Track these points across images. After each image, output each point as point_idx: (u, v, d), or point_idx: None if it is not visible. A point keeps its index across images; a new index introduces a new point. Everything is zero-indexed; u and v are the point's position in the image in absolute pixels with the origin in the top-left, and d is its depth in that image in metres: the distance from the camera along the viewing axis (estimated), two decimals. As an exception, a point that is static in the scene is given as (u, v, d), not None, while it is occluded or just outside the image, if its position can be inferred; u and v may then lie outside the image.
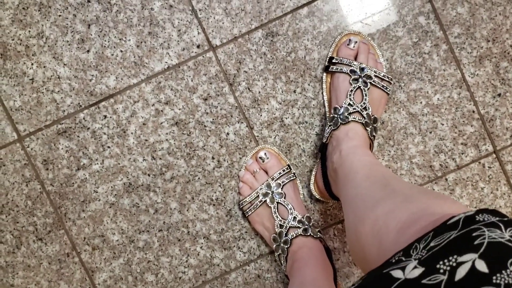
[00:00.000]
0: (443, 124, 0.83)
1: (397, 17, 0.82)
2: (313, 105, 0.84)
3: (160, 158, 0.84)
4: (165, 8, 0.82)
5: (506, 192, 0.84)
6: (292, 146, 0.85)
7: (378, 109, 0.79)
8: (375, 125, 0.77)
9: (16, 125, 0.84)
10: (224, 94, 0.84)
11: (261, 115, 0.84)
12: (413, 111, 0.83)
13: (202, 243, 0.86)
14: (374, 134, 0.77)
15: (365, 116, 0.76)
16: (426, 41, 0.82)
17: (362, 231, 0.52)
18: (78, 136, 0.84)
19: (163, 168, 0.85)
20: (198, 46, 0.83)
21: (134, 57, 0.83)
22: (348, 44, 0.80)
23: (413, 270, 0.36)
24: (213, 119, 0.84)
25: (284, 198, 0.81)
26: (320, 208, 0.86)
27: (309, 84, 0.84)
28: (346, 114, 0.76)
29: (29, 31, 0.82)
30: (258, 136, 0.84)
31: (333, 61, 0.80)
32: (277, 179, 0.81)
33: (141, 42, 0.83)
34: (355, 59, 0.80)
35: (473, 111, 0.83)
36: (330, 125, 0.78)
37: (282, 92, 0.84)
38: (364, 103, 0.76)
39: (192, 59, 0.83)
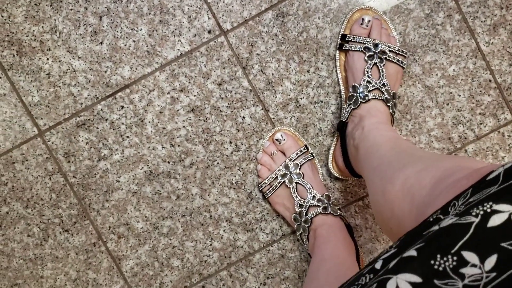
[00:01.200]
0: (460, 95, 0.83)
1: (408, -10, 0.81)
2: (328, 83, 0.84)
3: (179, 145, 0.85)
4: (175, -5, 0.82)
5: (527, 160, 0.84)
6: (308, 126, 0.85)
7: (395, 84, 0.79)
8: (394, 100, 0.77)
9: (36, 120, 0.85)
10: (238, 78, 0.84)
11: (276, 97, 0.84)
12: (429, 83, 0.83)
13: (225, 226, 0.87)
14: (394, 109, 0.77)
15: (384, 92, 0.75)
16: (439, 12, 0.81)
17: (392, 190, 0.52)
18: (97, 128, 0.85)
19: (182, 154, 0.86)
20: (209, 32, 0.83)
21: (147, 46, 0.83)
22: (361, 24, 0.79)
23: (448, 221, 0.36)
24: (228, 104, 0.85)
25: (303, 178, 0.81)
26: (340, 186, 0.86)
27: (322, 63, 0.83)
28: (366, 92, 0.75)
29: (42, 26, 0.83)
30: (274, 118, 0.85)
31: (346, 39, 0.80)
32: (294, 159, 0.82)
33: (153, 31, 0.83)
34: (368, 35, 0.79)
35: (490, 80, 0.82)
36: (349, 104, 0.77)
37: (295, 72, 0.84)
38: (382, 80, 0.76)
39: (204, 45, 0.83)
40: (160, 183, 0.86)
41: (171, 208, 0.87)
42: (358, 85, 0.76)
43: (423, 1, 0.81)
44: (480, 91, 0.82)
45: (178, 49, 0.84)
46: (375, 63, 0.77)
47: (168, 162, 0.86)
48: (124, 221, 0.87)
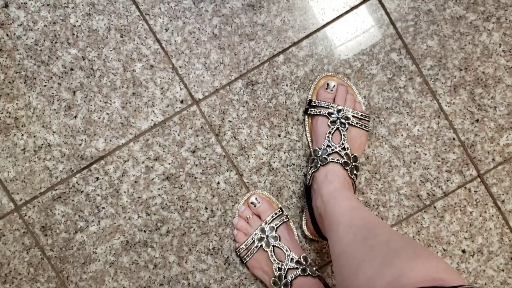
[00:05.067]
0: (425, 154, 0.86)
1: (370, 56, 0.85)
2: (298, 147, 0.86)
3: (155, 214, 0.86)
4: (147, 69, 0.85)
5: (495, 214, 0.86)
6: (282, 189, 0.87)
7: (359, 147, 0.81)
8: (355, 163, 0.79)
9: (12, 195, 0.86)
10: (211, 145, 0.86)
11: (249, 162, 0.86)
12: (395, 144, 0.86)
13: (203, 293, 0.87)
14: (355, 173, 0.79)
15: (343, 156, 0.78)
16: (401, 76, 0.85)
17: (353, 283, 0.54)
18: (73, 200, 0.86)
19: (158, 223, 0.86)
20: (181, 101, 0.86)
21: (121, 118, 0.85)
22: (326, 88, 0.83)
23: None
24: (202, 170, 0.86)
25: (279, 240, 0.82)
26: (315, 247, 0.87)
27: (292, 127, 0.86)
28: (325, 155, 0.78)
29: (17, 103, 0.85)
30: (248, 182, 0.86)
31: (312, 104, 0.83)
32: (270, 222, 0.83)
33: (126, 103, 0.85)
34: (334, 100, 0.82)
35: (454, 139, 0.85)
36: (311, 167, 0.80)
37: (267, 137, 0.86)
38: (342, 144, 0.79)
39: (177, 114, 0.86)
40: (137, 253, 0.87)
41: (149, 278, 0.87)
42: (318, 149, 0.79)
43: (385, 66, 0.85)
44: (445, 149, 0.86)
45: (152, 120, 0.86)
46: (338, 128, 0.80)
47: (145, 231, 0.86)
48: (103, 292, 0.87)
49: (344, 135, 0.79)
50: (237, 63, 0.85)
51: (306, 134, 0.85)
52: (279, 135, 0.86)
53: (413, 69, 0.85)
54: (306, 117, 0.85)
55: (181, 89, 0.85)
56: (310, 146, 0.85)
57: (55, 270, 0.87)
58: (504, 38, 0.84)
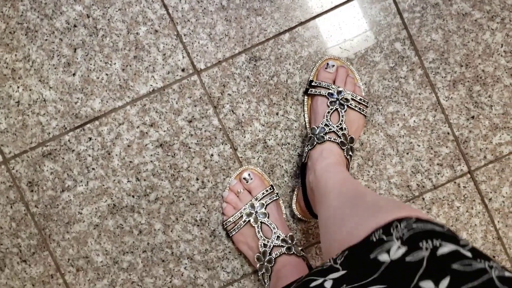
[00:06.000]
0: (419, 146, 0.86)
1: (375, 43, 0.85)
2: (295, 127, 0.86)
3: (145, 180, 0.86)
4: (150, 33, 0.84)
5: (481, 211, 0.87)
6: (275, 167, 0.87)
7: (356, 130, 0.82)
8: (351, 144, 0.79)
9: (1, 147, 0.84)
10: (208, 117, 0.86)
11: (244, 137, 0.86)
12: (390, 133, 0.86)
13: (186, 264, 0.87)
14: (350, 153, 0.79)
15: (340, 136, 0.78)
16: (402, 66, 0.86)
17: (333, 254, 0.54)
18: (63, 158, 0.85)
19: (148, 189, 0.86)
20: (183, 70, 0.85)
21: (120, 80, 0.84)
22: (326, 68, 0.83)
23: (397, 251, 0.39)
24: (197, 141, 0.86)
25: (268, 217, 0.82)
26: (302, 228, 0.88)
27: (291, 107, 0.86)
28: (322, 134, 0.78)
29: (16, 54, 0.84)
30: (241, 157, 0.86)
31: (312, 84, 0.83)
32: (260, 199, 0.83)
33: (127, 66, 0.84)
34: (334, 82, 0.83)
35: (448, 133, 0.86)
36: (307, 145, 0.80)
37: (265, 114, 0.86)
38: (340, 124, 0.79)
39: (177, 82, 0.85)
40: (123, 217, 0.86)
41: (133, 243, 0.86)
42: (316, 127, 0.80)
43: (388, 55, 0.86)
44: (439, 142, 0.87)
45: (151, 85, 0.85)
46: (336, 109, 0.80)
47: (133, 196, 0.86)
48: (84, 254, 0.86)
49: (342, 115, 0.80)
50: (242, 37, 0.85)
51: (304, 115, 0.86)
52: (277, 113, 0.86)
53: (415, 61, 0.86)
54: (306, 97, 0.85)
55: (183, 57, 0.85)
56: (307, 127, 0.85)
57: (38, 227, 0.85)
58: (507, 39, 0.85)
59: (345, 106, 0.80)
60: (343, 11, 0.85)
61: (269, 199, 0.84)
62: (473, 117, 0.86)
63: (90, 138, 0.85)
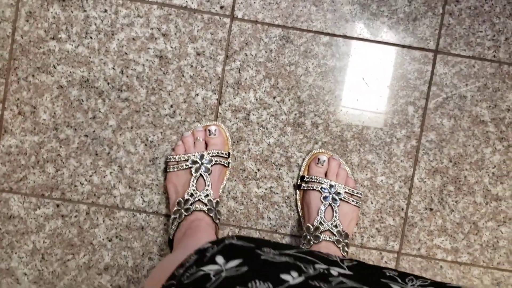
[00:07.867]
0: (372, 203, 0.87)
1: (393, 92, 0.86)
2: (282, 119, 0.87)
3: (127, 77, 0.85)
4: (215, -41, 0.84)
5: (386, 291, 0.88)
6: (242, 141, 0.87)
7: (350, 223, 0.83)
8: (346, 240, 0.80)
9: (25, -34, 0.83)
10: (216, 60, 0.86)
11: (234, 98, 0.86)
12: (356, 176, 0.87)
13: (114, 170, 0.86)
14: (346, 249, 0.80)
15: (335, 233, 0.79)
16: (402, 129, 0.87)
17: None
18: (72, 12, 0.84)
19: (124, 86, 0.85)
20: (221, 7, 0.85)
21: (163, -20, 0.84)
22: (317, 163, 0.84)
23: None
24: (193, 74, 0.86)
25: (209, 174, 0.82)
26: (230, 206, 0.88)
27: (289, 100, 0.87)
28: (317, 233, 0.79)
29: None
30: (220, 113, 0.87)
31: (304, 179, 0.84)
32: (212, 156, 0.83)
33: (177, -28, 0.84)
34: (326, 175, 0.84)
35: (402, 209, 0.88)
36: (304, 243, 0.81)
37: (264, 91, 0.86)
38: (334, 221, 0.80)
39: (209, 14, 0.85)
40: (88, 95, 0.85)
41: (81, 122, 0.85)
42: (311, 226, 0.80)
43: (396, 111, 0.87)
44: (389, 211, 0.88)
45: (186, 1, 0.85)
46: (330, 204, 0.81)
47: (108, 83, 0.85)
48: (34, 104, 0.85)
49: (336, 211, 0.81)
50: (289, 14, 0.85)
51: (297, 209, 0.86)
52: (274, 97, 0.87)
53: (416, 131, 0.87)
54: (298, 191, 0.86)
55: (229, -3, 0.85)
56: (302, 221, 0.86)
57: (11, 54, 0.84)
58: (501, 164, 0.87)
59: (338, 200, 0.81)
60: (384, 50, 0.86)
61: (220, 161, 0.84)
62: (431, 209, 0.88)
63: (106, 10, 0.84)
